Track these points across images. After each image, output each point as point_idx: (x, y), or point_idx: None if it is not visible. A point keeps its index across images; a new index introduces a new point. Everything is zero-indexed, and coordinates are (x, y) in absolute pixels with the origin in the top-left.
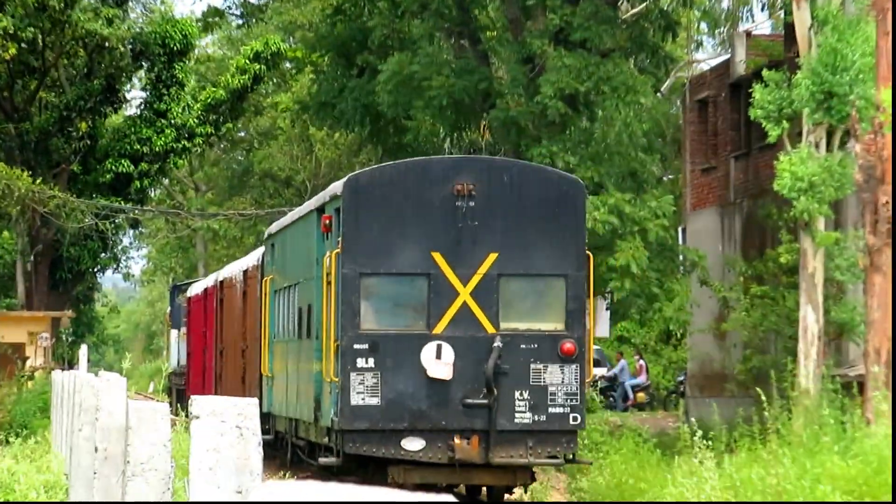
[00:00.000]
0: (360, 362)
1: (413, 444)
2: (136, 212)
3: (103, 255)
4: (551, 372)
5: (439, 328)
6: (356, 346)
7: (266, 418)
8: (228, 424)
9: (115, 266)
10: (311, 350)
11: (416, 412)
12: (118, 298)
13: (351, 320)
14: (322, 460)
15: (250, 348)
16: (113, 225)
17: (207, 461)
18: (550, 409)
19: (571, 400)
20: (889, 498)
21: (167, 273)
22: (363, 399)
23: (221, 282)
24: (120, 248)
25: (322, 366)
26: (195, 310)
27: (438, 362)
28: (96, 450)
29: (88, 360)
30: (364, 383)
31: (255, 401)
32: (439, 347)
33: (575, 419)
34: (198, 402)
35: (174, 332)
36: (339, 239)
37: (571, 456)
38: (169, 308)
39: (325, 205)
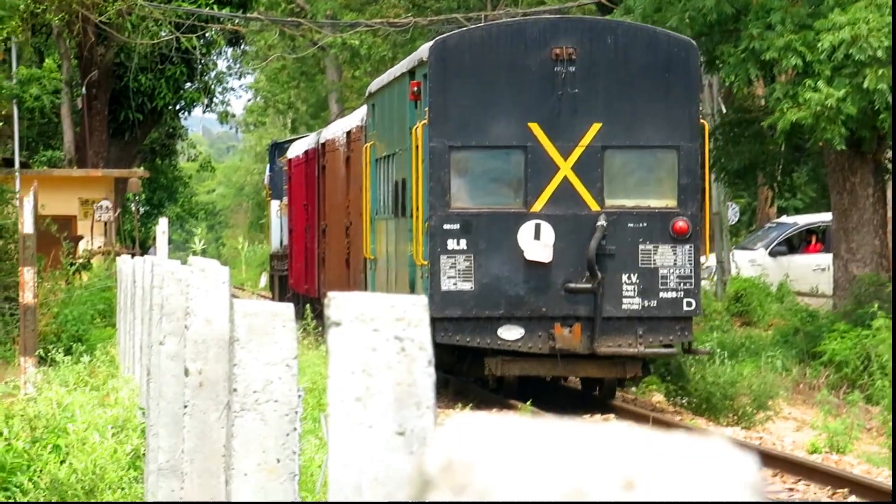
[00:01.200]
0: (452, 244)
1: (510, 333)
2: (238, 21)
3: (189, 85)
4: (662, 253)
5: (538, 206)
6: (446, 227)
7: None
8: (384, 335)
9: (206, 102)
10: (406, 230)
11: (514, 298)
12: (212, 150)
13: (440, 198)
14: None
15: (354, 225)
16: (203, 41)
17: (353, 389)
18: (662, 294)
19: (685, 284)
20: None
21: (283, 111)
22: (455, 284)
23: (323, 144)
24: (213, 75)
25: (413, 248)
26: (296, 176)
27: (537, 243)
28: (187, 372)
29: (170, 242)
30: (456, 267)
31: (423, 300)
32: (538, 227)
33: (689, 304)
34: (337, 303)
35: (274, 204)
36: (427, 109)
37: (687, 345)
38: (268, 172)
39: (415, 69)
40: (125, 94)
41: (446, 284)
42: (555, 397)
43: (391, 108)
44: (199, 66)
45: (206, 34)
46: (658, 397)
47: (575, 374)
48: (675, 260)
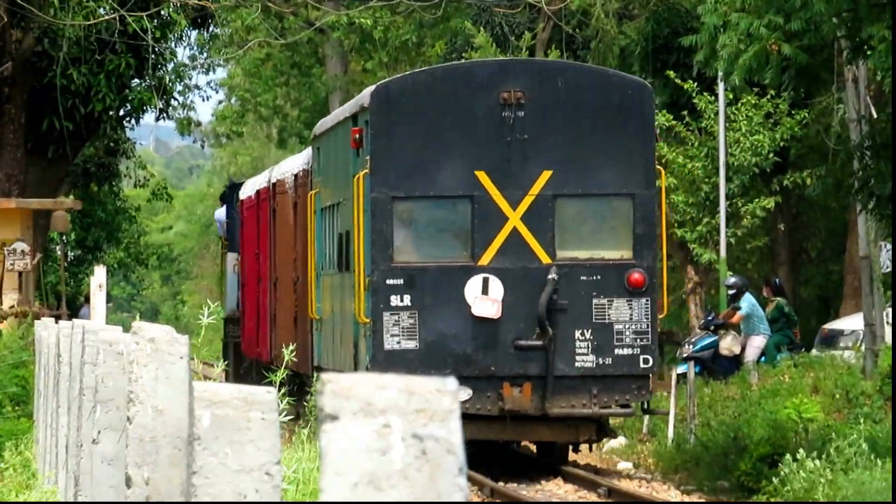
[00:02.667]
0: (395, 300)
1: (458, 394)
2: None
3: (137, 82)
4: (617, 307)
5: (485, 259)
6: (389, 282)
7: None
8: (398, 432)
9: (161, 106)
10: (351, 287)
11: (460, 357)
12: (169, 172)
13: (383, 252)
14: None
15: (301, 281)
16: (157, 22)
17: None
18: (617, 351)
19: (642, 339)
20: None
21: (267, 118)
22: (399, 343)
23: (275, 184)
24: (171, 68)
25: (355, 305)
26: (248, 221)
27: (485, 298)
28: (129, 482)
29: (110, 299)
30: (400, 324)
31: (451, 384)
32: (486, 281)
33: (646, 361)
34: (334, 388)
35: (230, 258)
36: (368, 158)
37: (646, 405)
38: (224, 218)
39: (357, 114)
40: (49, 95)
41: (390, 343)
42: (509, 462)
43: (336, 154)
44: (152, 57)
45: (162, 12)
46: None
47: (525, 438)
48: (631, 314)
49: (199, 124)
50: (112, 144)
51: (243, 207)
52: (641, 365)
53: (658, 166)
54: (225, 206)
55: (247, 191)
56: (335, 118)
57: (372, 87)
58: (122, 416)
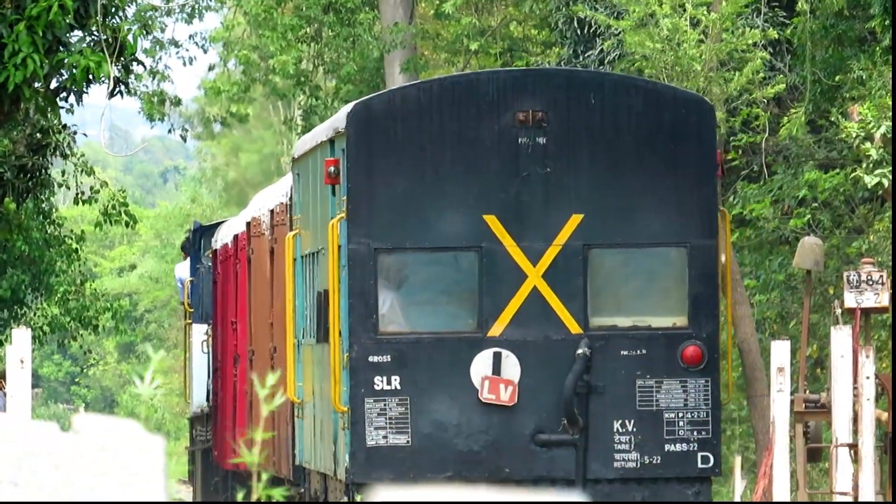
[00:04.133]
0: (380, 382)
1: None
2: None
3: (77, 37)
4: (668, 390)
5: (497, 329)
6: (373, 359)
7: (303, 477)
8: None
9: (116, 74)
10: (329, 362)
11: (465, 455)
12: (131, 178)
13: (364, 320)
14: None
15: (279, 351)
16: None
17: None
18: (668, 447)
19: (700, 432)
20: None
21: (284, 93)
22: (385, 437)
23: (249, 222)
24: (132, 14)
25: (330, 388)
26: (222, 277)
27: (497, 380)
28: None
29: (37, 383)
30: (386, 414)
31: None
32: (498, 357)
33: (706, 460)
34: None
35: (197, 332)
36: (345, 198)
37: None
38: (186, 276)
39: (333, 140)
40: None
41: (373, 438)
42: None
43: (315, 187)
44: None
45: None
46: None
47: None
48: (686, 399)
49: (177, 103)
50: (38, 136)
51: (217, 260)
52: (700, 465)
53: (721, 208)
54: (189, 259)
55: (222, 237)
56: (314, 138)
57: (348, 107)
58: None
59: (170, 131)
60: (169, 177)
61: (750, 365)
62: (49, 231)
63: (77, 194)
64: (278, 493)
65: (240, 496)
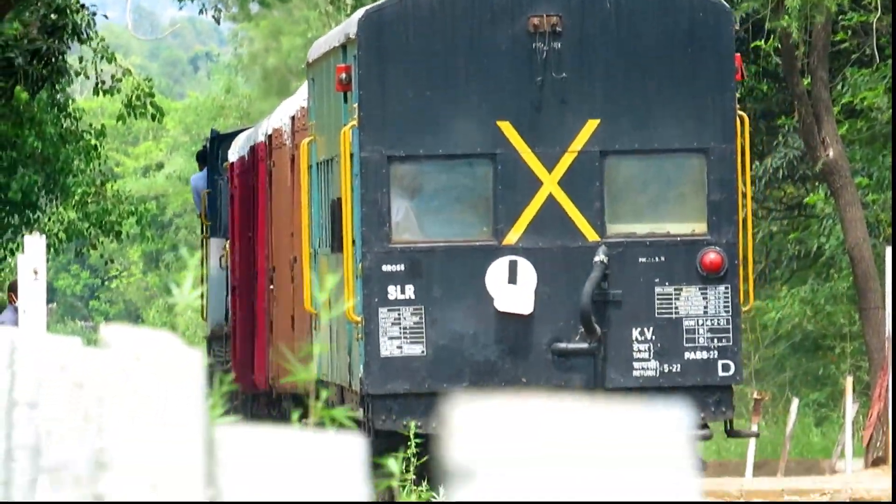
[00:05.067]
0: (394, 292)
1: None
2: None
3: None
4: (688, 298)
5: (513, 237)
6: (387, 268)
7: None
8: None
9: None
10: (342, 272)
11: (481, 365)
12: (158, 66)
13: (377, 229)
14: None
15: (299, 262)
16: None
17: None
18: (688, 355)
19: (721, 340)
20: None
21: None
22: (400, 348)
23: (270, 136)
24: None
25: (345, 298)
26: (240, 191)
27: (513, 288)
28: None
29: (53, 297)
30: (400, 324)
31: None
32: (513, 266)
33: (727, 368)
34: (467, 421)
35: (214, 246)
36: (356, 106)
37: (727, 425)
38: (201, 187)
39: (345, 46)
40: None
41: (387, 348)
42: None
43: (329, 93)
44: None
45: None
46: None
47: None
48: (706, 307)
49: None
50: (53, 17)
51: (233, 173)
52: (720, 373)
53: (740, 112)
54: (206, 170)
55: (238, 147)
56: (327, 43)
57: (360, 12)
58: (85, 495)
59: (201, 12)
60: (200, 64)
61: (862, 274)
62: (65, 125)
63: (97, 83)
64: (340, 414)
65: (294, 416)
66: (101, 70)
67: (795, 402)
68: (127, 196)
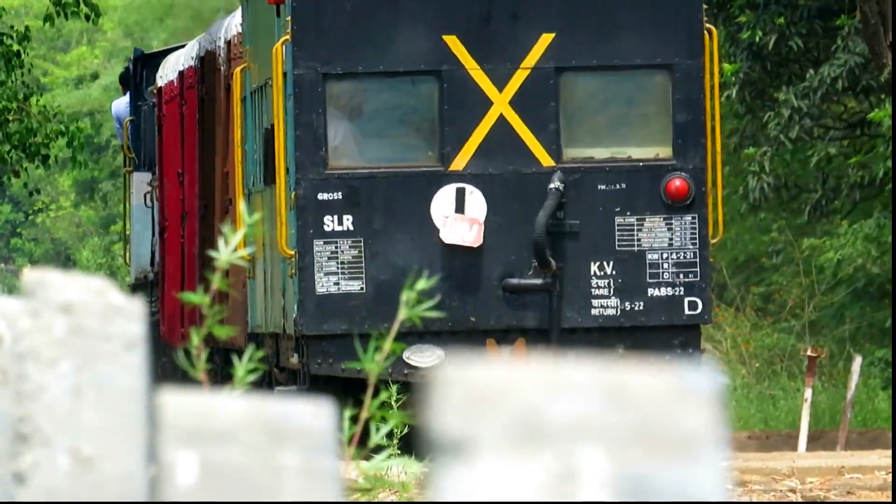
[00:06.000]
0: (331, 223)
1: (422, 357)
2: None
3: None
4: (651, 228)
5: (460, 162)
6: (323, 197)
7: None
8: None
9: None
10: (275, 205)
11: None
12: None
13: (312, 154)
14: (278, 389)
15: (234, 204)
16: None
17: None
18: (651, 291)
19: (687, 274)
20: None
21: None
22: (337, 284)
23: (203, 57)
24: None
25: (276, 231)
26: (168, 120)
27: (460, 218)
28: None
29: None
30: (338, 258)
31: None
32: (461, 194)
33: (693, 306)
34: (453, 380)
35: (138, 181)
36: (289, 19)
37: None
38: (124, 115)
39: None
40: None
41: (324, 285)
42: None
43: (262, 11)
44: None
45: None
46: None
47: None
48: (671, 238)
49: None
50: None
51: (162, 99)
52: (687, 311)
53: (708, 25)
54: (128, 95)
55: (167, 72)
56: None
57: None
58: (5, 473)
59: None
60: None
61: None
62: None
63: None
64: (391, 411)
65: (346, 413)
66: None
67: (858, 361)
68: (56, 112)
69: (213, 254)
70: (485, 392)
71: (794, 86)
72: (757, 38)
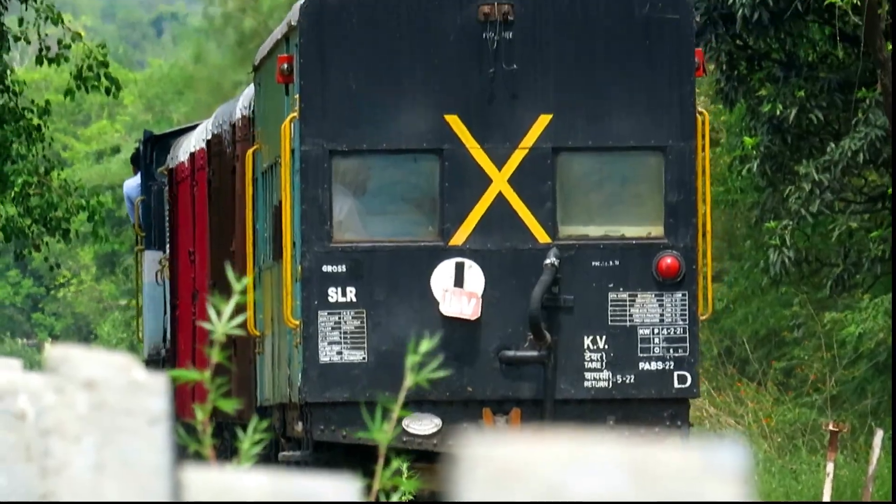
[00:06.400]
0: (334, 294)
1: (421, 426)
2: None
3: None
4: (643, 304)
5: (460, 237)
6: (327, 269)
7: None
8: None
9: None
10: (281, 277)
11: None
12: (114, 28)
13: (318, 227)
14: (283, 455)
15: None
16: None
17: None
18: (643, 365)
19: (677, 350)
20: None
21: None
22: (340, 354)
23: (210, 141)
24: None
25: (283, 302)
26: (182, 199)
27: (459, 292)
28: None
29: None
30: (341, 328)
31: None
32: (460, 268)
33: (683, 380)
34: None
35: (149, 260)
36: (297, 97)
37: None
38: (135, 194)
39: (287, 36)
40: None
41: (327, 354)
42: None
43: (273, 94)
44: None
45: None
46: None
47: None
48: (662, 314)
49: None
50: None
51: (174, 178)
52: (676, 385)
53: (701, 109)
54: (139, 174)
55: (178, 153)
56: (271, 40)
57: (301, 0)
58: None
59: None
60: (164, 26)
61: None
62: (2, 101)
63: (40, 50)
64: (402, 478)
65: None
66: (46, 34)
67: (879, 434)
68: (77, 187)
69: (205, 325)
70: (510, 468)
71: (815, 159)
72: (777, 112)
